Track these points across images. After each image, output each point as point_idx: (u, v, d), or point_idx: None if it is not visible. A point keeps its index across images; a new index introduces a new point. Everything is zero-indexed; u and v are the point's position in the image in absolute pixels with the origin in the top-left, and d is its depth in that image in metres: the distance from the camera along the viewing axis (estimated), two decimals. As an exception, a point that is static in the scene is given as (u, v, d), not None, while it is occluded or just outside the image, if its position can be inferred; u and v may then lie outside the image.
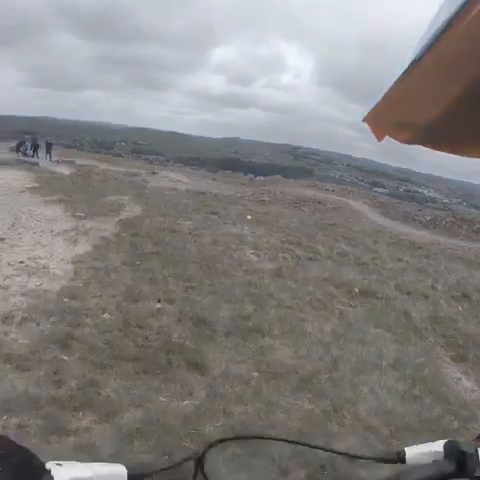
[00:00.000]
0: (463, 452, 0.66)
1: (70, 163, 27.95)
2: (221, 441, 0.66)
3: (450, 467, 0.66)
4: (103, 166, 27.56)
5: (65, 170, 22.92)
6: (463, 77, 0.85)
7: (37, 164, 24.43)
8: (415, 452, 0.73)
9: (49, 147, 31.43)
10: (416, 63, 0.86)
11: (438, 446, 0.71)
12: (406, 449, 0.73)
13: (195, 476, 0.64)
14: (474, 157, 1.05)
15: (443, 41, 0.77)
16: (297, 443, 0.72)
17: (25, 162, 24.13)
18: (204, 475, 0.64)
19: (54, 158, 30.27)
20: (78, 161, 29.07)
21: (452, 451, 0.68)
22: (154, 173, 27.64)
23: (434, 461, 0.70)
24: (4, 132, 31.69)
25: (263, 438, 0.78)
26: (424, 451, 0.72)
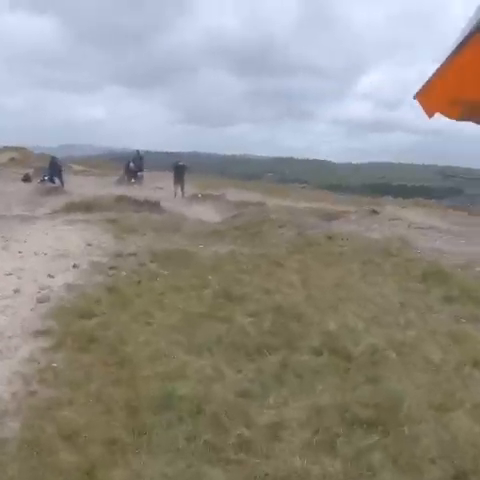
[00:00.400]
0: None
1: (215, 198, 18.58)
2: None
3: None
4: (270, 200, 17.52)
5: (209, 213, 15.61)
6: None
7: (158, 205, 15.08)
8: None
9: (181, 172, 19.79)
10: (469, 39, 0.89)
11: None
12: None
13: None
14: None
15: None
16: None
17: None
18: None
19: (189, 191, 19.67)
20: (229, 194, 19.27)
21: None
22: (375, 212, 14.67)
23: None
24: (153, 167, 27.18)
25: None
26: None
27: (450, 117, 1.23)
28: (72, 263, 7.85)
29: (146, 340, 4.58)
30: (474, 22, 0.89)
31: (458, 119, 1.24)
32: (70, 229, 10.99)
